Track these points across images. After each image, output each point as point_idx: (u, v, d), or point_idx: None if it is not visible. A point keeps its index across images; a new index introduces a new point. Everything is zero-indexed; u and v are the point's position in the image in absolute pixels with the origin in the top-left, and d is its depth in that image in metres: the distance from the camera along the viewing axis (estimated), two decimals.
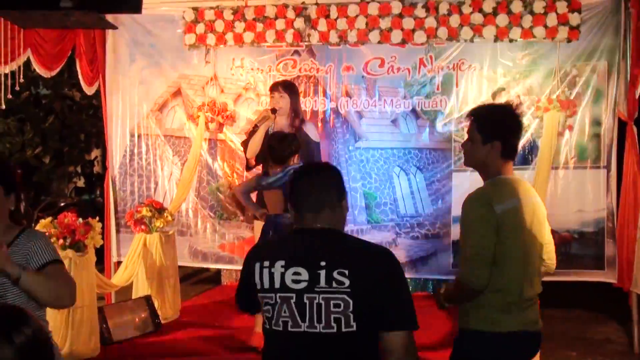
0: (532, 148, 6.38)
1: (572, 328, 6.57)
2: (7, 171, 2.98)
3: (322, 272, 2.37)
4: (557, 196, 6.37)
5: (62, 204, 9.16)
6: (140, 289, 6.00)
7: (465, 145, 3.20)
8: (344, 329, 2.35)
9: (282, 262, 2.43)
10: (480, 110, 3.25)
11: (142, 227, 6.04)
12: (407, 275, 6.56)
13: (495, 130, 3.10)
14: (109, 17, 6.71)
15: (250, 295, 2.54)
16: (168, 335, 5.73)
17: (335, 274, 2.36)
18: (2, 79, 6.08)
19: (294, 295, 2.39)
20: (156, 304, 5.89)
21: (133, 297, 6.01)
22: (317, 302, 2.36)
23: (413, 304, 2.46)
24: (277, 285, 2.41)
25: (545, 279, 6.03)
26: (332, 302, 2.35)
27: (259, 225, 6.15)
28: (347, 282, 2.35)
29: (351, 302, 2.34)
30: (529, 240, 3.08)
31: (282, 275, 2.41)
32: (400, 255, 6.64)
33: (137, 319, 5.67)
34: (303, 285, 2.38)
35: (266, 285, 2.44)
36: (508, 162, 3.14)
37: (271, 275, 2.43)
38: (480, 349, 3.03)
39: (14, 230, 2.93)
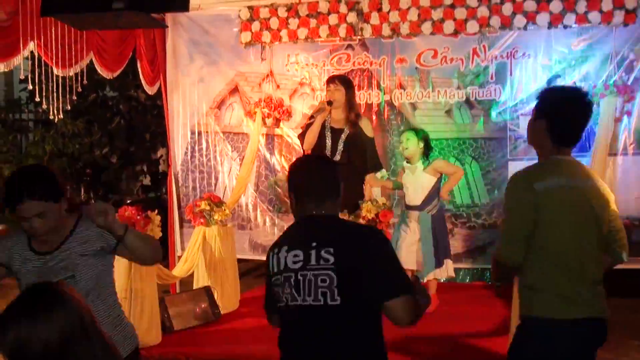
0: (589, 134, 6.28)
1: (636, 317, 6.43)
2: (47, 184, 2.96)
3: (313, 252, 2.63)
4: (616, 183, 6.25)
5: (128, 202, 9.45)
6: (201, 280, 6.18)
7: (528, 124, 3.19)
8: (329, 302, 2.58)
9: (286, 247, 2.71)
10: (543, 90, 3.23)
11: (202, 220, 6.21)
12: (464, 265, 6.74)
13: (541, 108, 3.06)
14: (168, 17, 6.98)
15: (270, 291, 2.78)
16: (227, 325, 5.88)
17: (322, 253, 2.61)
18: (67, 81, 6.34)
19: (292, 274, 2.65)
20: (216, 295, 6.05)
21: (194, 288, 6.18)
22: (308, 278, 2.62)
23: (403, 272, 2.69)
24: (281, 267, 2.68)
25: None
26: (319, 277, 2.60)
27: None
28: (332, 259, 2.59)
29: (335, 277, 2.57)
30: (580, 222, 2.94)
31: (285, 258, 2.68)
32: (457, 245, 6.66)
33: (197, 309, 5.84)
34: (299, 265, 2.64)
35: (275, 269, 2.71)
36: (562, 148, 3.03)
37: (278, 259, 2.71)
38: (543, 336, 2.90)
39: (69, 220, 3.03)
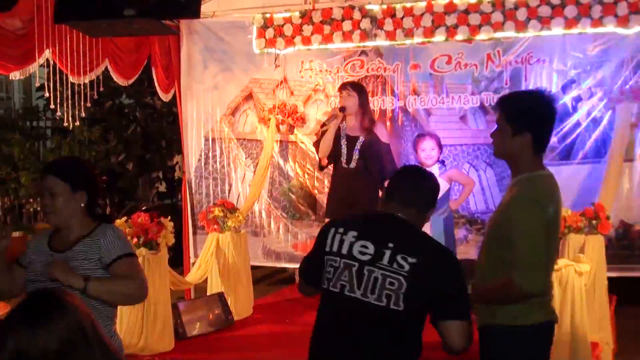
0: (605, 140, 6.23)
1: None
2: (73, 169, 3.13)
3: (387, 252, 2.66)
4: (633, 189, 6.23)
5: (144, 208, 9.51)
6: (214, 287, 6.17)
7: (494, 136, 3.04)
8: (391, 306, 2.61)
9: (355, 233, 2.73)
10: (509, 98, 3.12)
11: (215, 226, 6.22)
12: None
13: (525, 121, 2.93)
14: (182, 25, 7.02)
15: (318, 264, 2.81)
16: (240, 331, 5.87)
17: (398, 257, 2.64)
18: (83, 89, 6.38)
19: (356, 264, 2.68)
20: (229, 301, 6.05)
21: (207, 294, 6.18)
22: (374, 275, 2.65)
23: (467, 298, 2.74)
24: (344, 251, 2.71)
25: (623, 274, 5.97)
26: (388, 279, 2.63)
27: None
28: (407, 267, 2.62)
29: (405, 285, 2.61)
30: (553, 239, 3.00)
31: (352, 244, 2.71)
32: (472, 252, 6.60)
33: (210, 315, 5.84)
34: (367, 257, 2.67)
35: (334, 249, 2.74)
36: (540, 158, 3.00)
37: (341, 241, 2.73)
38: (512, 342, 2.96)
39: (90, 226, 3.09)
